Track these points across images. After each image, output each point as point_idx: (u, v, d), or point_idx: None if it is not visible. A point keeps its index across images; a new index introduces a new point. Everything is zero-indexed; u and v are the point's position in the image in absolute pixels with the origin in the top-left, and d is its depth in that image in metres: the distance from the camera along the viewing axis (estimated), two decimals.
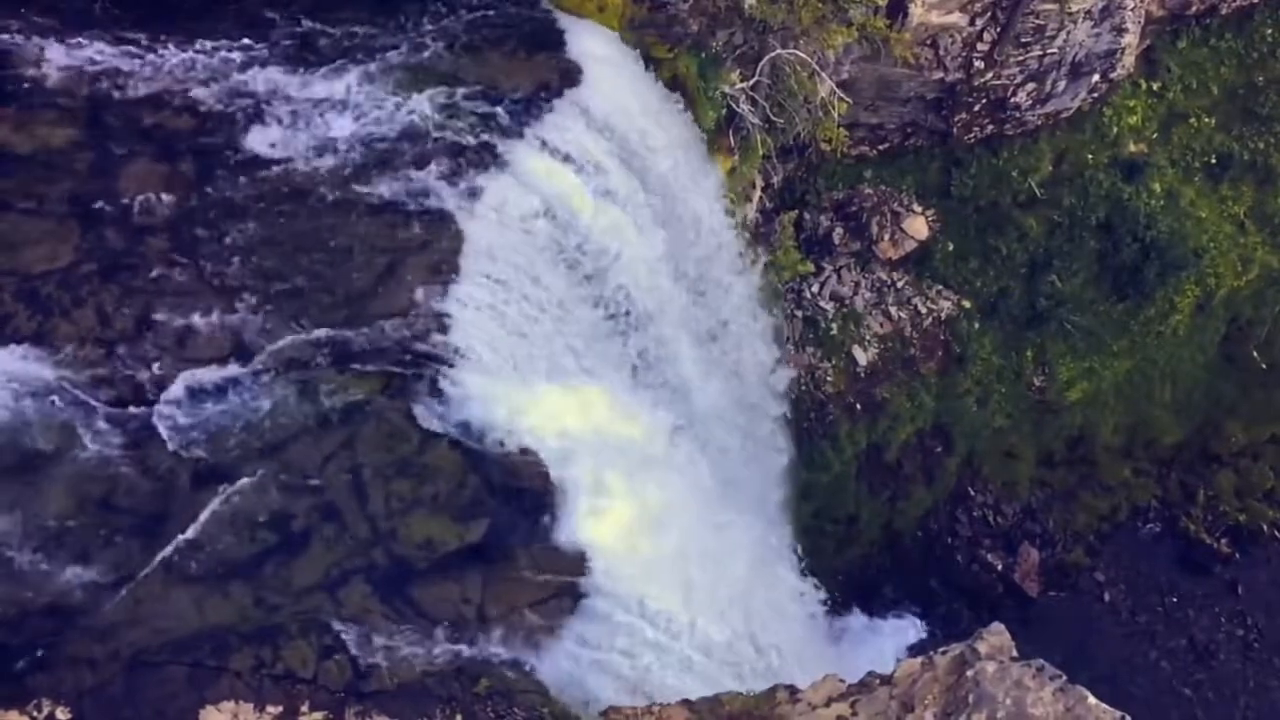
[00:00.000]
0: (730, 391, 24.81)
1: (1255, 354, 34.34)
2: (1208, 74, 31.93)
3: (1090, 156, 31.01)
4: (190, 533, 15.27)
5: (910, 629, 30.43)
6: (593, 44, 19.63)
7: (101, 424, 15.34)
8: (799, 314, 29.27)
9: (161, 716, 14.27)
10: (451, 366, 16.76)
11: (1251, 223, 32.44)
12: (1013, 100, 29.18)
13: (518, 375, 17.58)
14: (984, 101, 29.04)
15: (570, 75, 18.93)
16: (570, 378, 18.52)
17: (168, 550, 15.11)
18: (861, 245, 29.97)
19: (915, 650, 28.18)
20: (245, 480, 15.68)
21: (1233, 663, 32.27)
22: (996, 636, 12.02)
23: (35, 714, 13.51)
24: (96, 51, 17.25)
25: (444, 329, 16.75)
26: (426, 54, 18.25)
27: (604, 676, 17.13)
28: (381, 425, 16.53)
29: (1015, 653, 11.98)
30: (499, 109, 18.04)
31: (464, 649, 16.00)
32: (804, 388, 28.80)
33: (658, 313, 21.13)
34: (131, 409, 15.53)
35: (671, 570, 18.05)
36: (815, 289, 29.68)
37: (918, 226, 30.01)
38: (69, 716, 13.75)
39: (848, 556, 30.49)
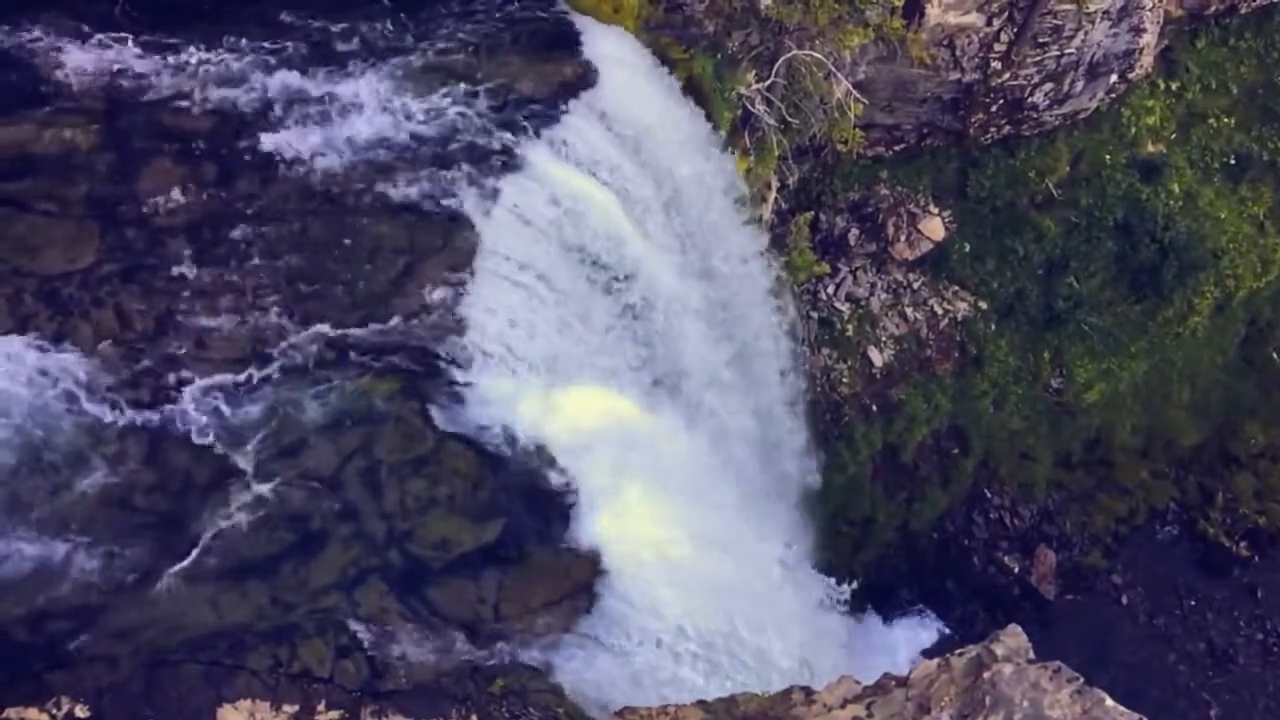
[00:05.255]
0: (747, 392, 24.78)
1: (1275, 355, 34.18)
2: (1227, 74, 31.78)
3: (1108, 157, 30.89)
4: (209, 533, 15.34)
5: (926, 631, 30.38)
6: (609, 45, 19.64)
7: (121, 424, 15.43)
8: (814, 315, 29.25)
9: (179, 715, 14.36)
10: (468, 367, 16.80)
11: (1271, 223, 32.28)
12: (1030, 100, 29.09)
13: (534, 376, 17.61)
14: (1001, 102, 28.95)
15: (586, 76, 18.94)
16: (586, 379, 18.54)
17: (188, 551, 15.19)
18: (877, 246, 29.92)
19: (931, 652, 28.13)
20: (263, 480, 15.75)
21: (1252, 666, 32.09)
22: (1013, 638, 11.99)
23: (55, 711, 13.61)
24: (116, 54, 17.34)
25: (460, 330, 16.79)
26: (443, 55, 18.29)
27: (619, 676, 17.15)
28: (398, 426, 16.59)
29: (1032, 654, 11.94)
30: (516, 110, 18.08)
31: (479, 649, 16.04)
32: (819, 389, 28.77)
33: (673, 313, 21.12)
34: (151, 409, 15.62)
35: (687, 571, 18.05)
36: (831, 290, 29.65)
37: (934, 227, 29.94)
38: (88, 714, 13.85)
39: (864, 558, 30.44)
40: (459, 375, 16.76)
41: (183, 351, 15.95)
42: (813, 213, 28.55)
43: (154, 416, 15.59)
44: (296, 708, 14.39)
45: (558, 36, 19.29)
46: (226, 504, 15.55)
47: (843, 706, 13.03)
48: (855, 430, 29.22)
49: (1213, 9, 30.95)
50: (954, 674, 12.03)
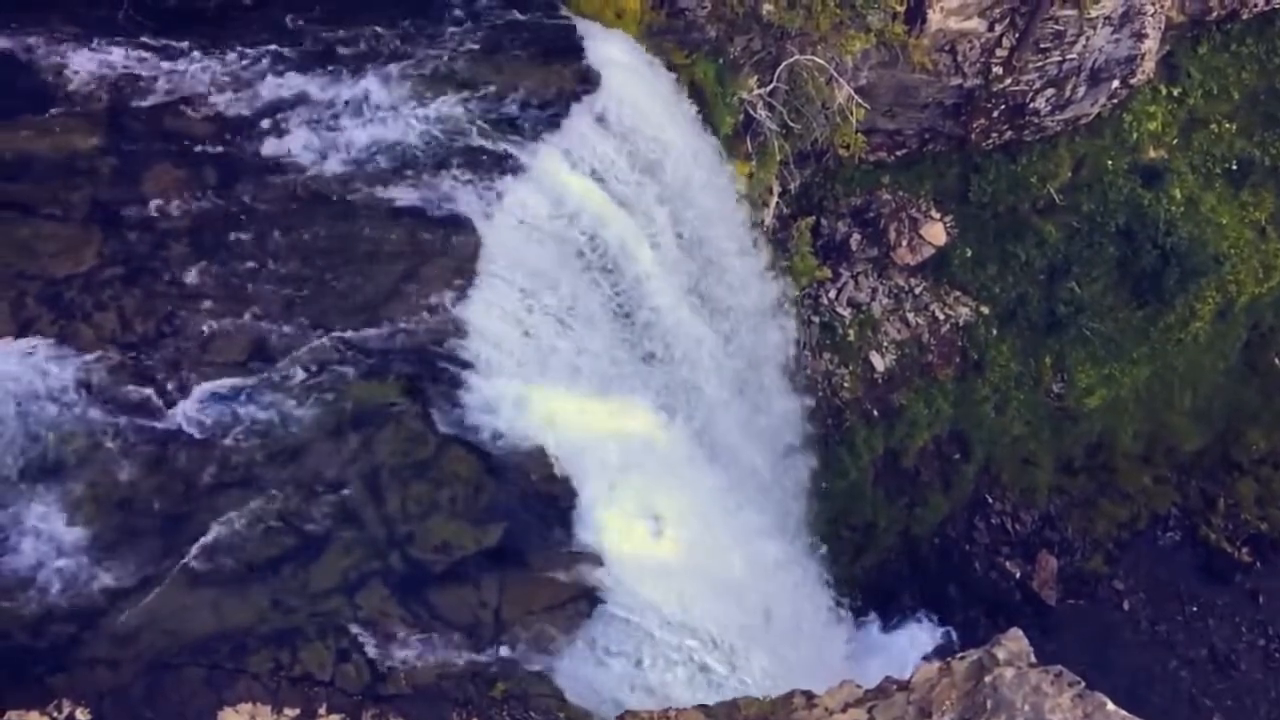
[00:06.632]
0: (748, 397, 24.79)
1: (1277, 361, 34.18)
2: (1228, 79, 31.81)
3: (1110, 162, 30.92)
4: (210, 536, 15.34)
5: (928, 636, 30.34)
6: (611, 50, 19.67)
7: (122, 427, 15.43)
8: (816, 320, 29.26)
9: (180, 718, 14.35)
10: (469, 371, 16.82)
11: (1272, 229, 32.29)
12: (1031, 106, 29.11)
13: (535, 380, 17.62)
14: (1002, 107, 28.98)
15: (588, 81, 18.98)
16: (588, 383, 18.55)
17: (189, 554, 15.20)
18: (879, 251, 29.94)
19: (932, 658, 28.06)
20: (264, 483, 15.76)
21: (1254, 673, 32.05)
22: (1014, 642, 11.96)
23: (56, 714, 13.60)
24: (119, 58, 17.39)
25: (462, 334, 16.81)
26: (446, 60, 18.32)
27: (620, 681, 17.14)
28: (399, 429, 16.60)
29: (1033, 658, 11.93)
30: (518, 115, 18.11)
31: (480, 652, 16.03)
32: (821, 394, 28.78)
33: (675, 318, 21.14)
34: (152, 412, 15.63)
35: (689, 575, 18.04)
36: (832, 295, 29.66)
37: (935, 232, 29.96)
38: (89, 717, 13.84)
39: (865, 563, 30.43)
40: (461, 379, 16.77)
41: (184, 354, 15.96)
42: (814, 218, 28.59)
43: (155, 419, 15.59)
44: (297, 711, 14.39)
45: (560, 42, 19.33)
46: (227, 507, 15.55)
47: (844, 710, 13.01)
48: (856, 435, 29.22)
49: (1214, 15, 30.97)
50: (955, 678, 12.01)
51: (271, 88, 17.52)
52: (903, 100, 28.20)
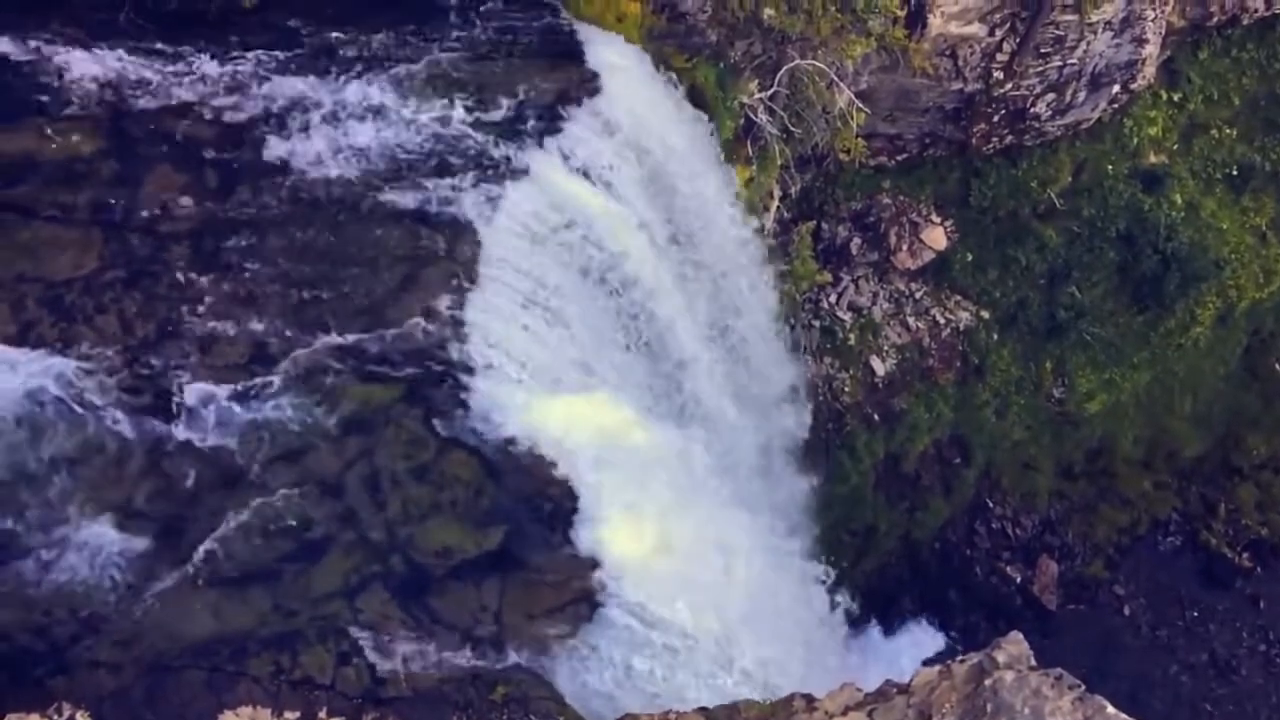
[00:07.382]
0: (747, 401, 24.79)
1: (1277, 366, 34.19)
2: (1229, 85, 31.87)
3: (1110, 167, 30.96)
4: (211, 539, 15.35)
5: (928, 640, 30.34)
6: (612, 54, 19.69)
7: (123, 430, 15.44)
8: (816, 324, 29.28)
9: None
10: (470, 374, 16.82)
11: (1273, 234, 32.34)
12: (1032, 111, 29.15)
13: (536, 384, 17.62)
14: (1003, 112, 29.01)
15: (590, 85, 19.00)
16: (588, 387, 18.56)
17: (190, 557, 15.20)
18: (879, 255, 29.96)
19: (933, 662, 28.05)
20: (265, 486, 15.77)
21: (1254, 678, 32.06)
22: (1014, 645, 11.98)
23: (56, 717, 13.60)
24: (120, 61, 17.38)
25: (463, 337, 16.82)
26: (448, 63, 18.35)
27: (620, 684, 17.14)
28: (400, 432, 16.61)
29: (1033, 661, 11.94)
30: (519, 118, 18.13)
31: (480, 656, 16.04)
32: (821, 398, 28.79)
33: (674, 322, 21.16)
34: (153, 415, 15.64)
35: (688, 579, 18.04)
36: (833, 299, 29.68)
37: (936, 237, 29.99)
38: None
39: (865, 567, 30.43)
40: (461, 382, 16.78)
41: (185, 358, 15.96)
42: (815, 222, 28.62)
43: (156, 422, 15.60)
44: (298, 714, 14.39)
45: (561, 46, 19.35)
46: (228, 510, 15.56)
47: (844, 713, 13.02)
48: (857, 439, 29.23)
49: (1215, 20, 31.02)
50: (955, 681, 12.02)
51: (273, 91, 17.51)
52: (903, 105, 28.23)
